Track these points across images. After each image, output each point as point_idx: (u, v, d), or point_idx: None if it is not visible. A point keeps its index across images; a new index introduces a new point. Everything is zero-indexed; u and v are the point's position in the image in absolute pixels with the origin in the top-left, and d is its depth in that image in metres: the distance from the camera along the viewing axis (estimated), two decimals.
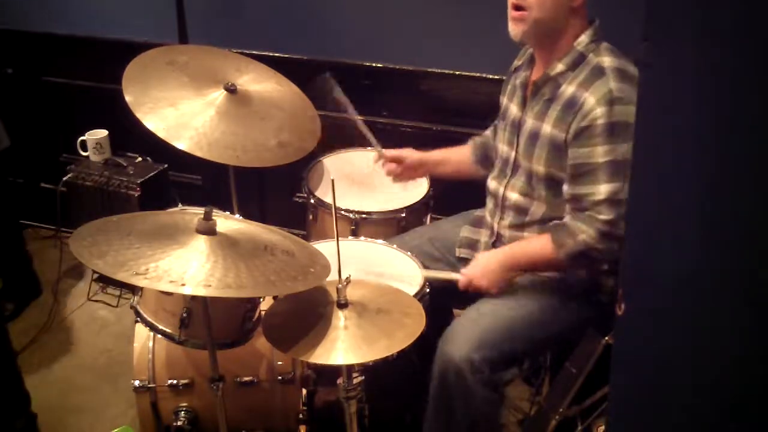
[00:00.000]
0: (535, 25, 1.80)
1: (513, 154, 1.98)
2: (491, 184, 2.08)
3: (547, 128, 1.86)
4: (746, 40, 0.83)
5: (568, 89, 1.82)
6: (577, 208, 1.81)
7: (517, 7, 1.80)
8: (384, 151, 2.28)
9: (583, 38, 1.83)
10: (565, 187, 1.84)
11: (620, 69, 1.79)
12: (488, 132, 2.25)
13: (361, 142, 2.38)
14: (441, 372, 1.83)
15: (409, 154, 2.26)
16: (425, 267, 2.05)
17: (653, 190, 0.97)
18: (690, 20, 0.86)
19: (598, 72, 1.79)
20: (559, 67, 1.85)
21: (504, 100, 2.07)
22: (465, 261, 2.12)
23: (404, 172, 2.28)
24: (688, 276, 0.95)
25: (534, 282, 1.96)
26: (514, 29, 1.83)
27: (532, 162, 1.91)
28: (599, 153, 1.75)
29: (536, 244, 1.90)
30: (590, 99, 1.76)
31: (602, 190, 1.76)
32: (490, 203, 2.09)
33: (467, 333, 1.83)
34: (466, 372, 1.78)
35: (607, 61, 1.80)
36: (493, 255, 1.94)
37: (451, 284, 1.97)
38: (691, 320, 0.97)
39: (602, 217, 1.76)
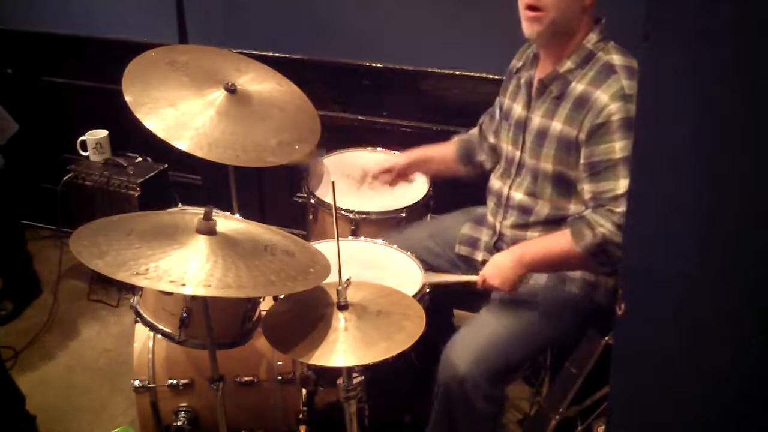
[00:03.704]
0: (552, 26, 1.80)
1: (518, 153, 1.98)
2: (495, 183, 2.08)
3: (557, 126, 1.86)
4: (746, 41, 0.83)
5: (578, 87, 1.82)
6: (597, 205, 1.80)
7: (532, 8, 1.79)
8: (370, 170, 2.31)
9: (592, 36, 1.84)
10: (585, 186, 1.82)
11: (630, 67, 1.79)
12: (474, 131, 2.26)
13: (361, 141, 2.40)
14: (444, 384, 1.84)
15: (395, 162, 2.29)
16: (432, 269, 2.05)
17: (653, 190, 0.97)
18: (690, 20, 0.86)
19: (609, 70, 1.79)
20: (568, 64, 1.85)
21: (505, 101, 2.07)
22: (464, 258, 2.13)
23: (398, 179, 2.32)
24: (688, 276, 0.95)
25: (534, 290, 1.95)
26: (530, 29, 1.82)
27: (539, 160, 1.90)
28: (617, 149, 1.75)
29: (553, 239, 1.86)
30: (603, 96, 1.77)
31: (622, 184, 1.75)
32: (491, 202, 2.09)
33: (469, 346, 1.84)
34: (468, 386, 1.79)
35: (616, 59, 1.81)
36: (507, 253, 1.89)
37: (469, 285, 1.95)
38: (691, 320, 0.97)
39: (620, 209, 1.75)
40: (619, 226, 1.75)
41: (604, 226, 1.76)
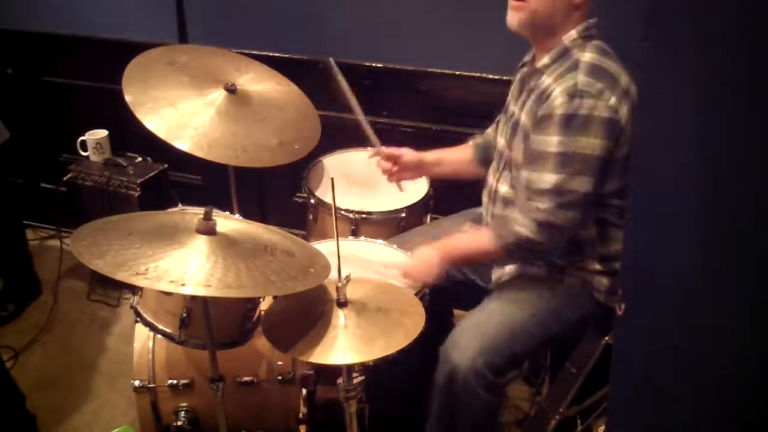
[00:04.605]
0: (533, 16, 1.80)
1: (506, 148, 1.99)
2: (489, 178, 2.10)
3: (522, 118, 1.88)
4: (745, 41, 0.83)
5: (545, 81, 1.83)
6: (526, 196, 1.82)
7: None
8: (381, 148, 2.28)
9: (572, 33, 1.83)
10: (521, 173, 1.85)
11: (595, 64, 1.78)
12: (489, 130, 2.25)
13: (361, 141, 2.39)
14: (446, 378, 1.83)
15: (406, 152, 2.26)
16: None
17: (653, 190, 0.97)
18: (690, 21, 0.87)
19: (573, 67, 1.79)
20: (545, 60, 1.85)
21: (509, 97, 2.09)
22: None
23: (400, 172, 2.28)
24: (688, 276, 0.95)
25: (534, 283, 1.96)
26: (512, 18, 1.83)
27: (513, 152, 1.93)
28: (552, 143, 1.76)
29: (475, 237, 1.93)
30: (556, 90, 1.77)
31: (548, 179, 1.76)
32: (485, 197, 2.10)
33: (471, 339, 1.83)
34: (471, 378, 1.79)
35: (587, 56, 1.80)
36: (430, 249, 1.95)
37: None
38: (691, 320, 0.97)
39: (540, 205, 1.77)
40: (540, 224, 1.78)
41: (523, 224, 1.80)
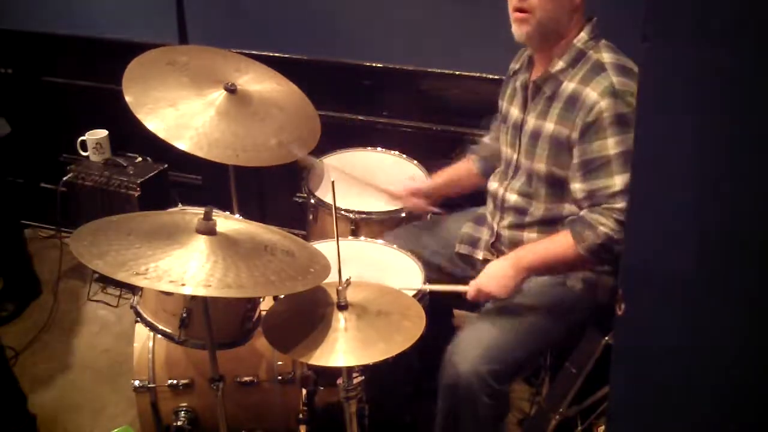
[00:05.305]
0: (539, 27, 1.81)
1: (515, 155, 1.98)
2: (492, 185, 2.08)
3: (549, 126, 1.86)
4: (745, 41, 0.83)
5: (569, 86, 1.83)
6: (592, 204, 1.79)
7: (519, 10, 1.81)
8: (398, 193, 2.27)
9: (583, 35, 1.84)
10: (577, 185, 1.82)
11: (620, 64, 1.80)
12: (486, 139, 2.24)
13: (361, 141, 2.40)
14: (449, 385, 1.83)
15: (420, 188, 2.26)
16: (431, 267, 2.06)
17: (653, 190, 0.97)
18: (690, 20, 0.87)
19: (599, 68, 1.80)
20: (560, 64, 1.85)
21: (504, 104, 2.07)
22: (463, 257, 2.13)
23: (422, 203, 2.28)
24: (688, 276, 0.95)
25: (536, 288, 1.95)
26: (519, 31, 1.83)
27: (533, 161, 1.91)
28: (610, 145, 1.75)
29: (552, 242, 1.86)
30: (592, 94, 1.77)
31: (617, 181, 1.75)
32: (490, 204, 2.09)
33: (474, 347, 1.83)
34: (474, 385, 1.78)
35: (606, 57, 1.81)
36: (504, 260, 1.90)
37: (459, 295, 1.95)
38: (691, 320, 0.97)
39: (618, 206, 1.75)
40: (621, 223, 1.75)
41: (606, 224, 1.76)
